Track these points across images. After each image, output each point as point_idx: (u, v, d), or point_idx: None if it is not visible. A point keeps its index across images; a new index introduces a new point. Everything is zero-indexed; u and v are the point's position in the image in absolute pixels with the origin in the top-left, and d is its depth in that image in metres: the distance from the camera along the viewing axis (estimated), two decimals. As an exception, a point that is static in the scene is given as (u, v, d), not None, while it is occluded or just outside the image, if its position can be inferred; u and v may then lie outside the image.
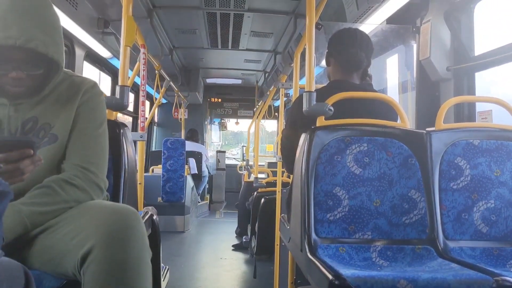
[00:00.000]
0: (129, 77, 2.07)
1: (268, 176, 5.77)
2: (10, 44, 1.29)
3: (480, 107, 2.49)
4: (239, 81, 8.64)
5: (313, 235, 1.67)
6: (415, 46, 2.89)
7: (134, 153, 1.97)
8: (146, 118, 2.96)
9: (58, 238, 1.26)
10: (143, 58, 2.75)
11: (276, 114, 7.17)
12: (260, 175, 5.13)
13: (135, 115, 6.22)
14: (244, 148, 8.49)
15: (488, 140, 1.82)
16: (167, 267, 2.39)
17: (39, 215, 1.30)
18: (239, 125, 10.61)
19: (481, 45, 2.52)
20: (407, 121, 1.89)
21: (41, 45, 1.33)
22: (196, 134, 8.01)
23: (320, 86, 2.21)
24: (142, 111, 2.70)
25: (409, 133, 1.83)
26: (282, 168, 3.30)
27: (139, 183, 2.41)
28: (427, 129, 1.88)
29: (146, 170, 6.74)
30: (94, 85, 1.56)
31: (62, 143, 1.46)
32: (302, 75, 3.31)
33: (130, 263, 1.18)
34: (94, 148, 1.49)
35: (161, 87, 4.86)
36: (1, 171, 1.11)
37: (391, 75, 3.56)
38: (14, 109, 1.43)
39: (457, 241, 1.74)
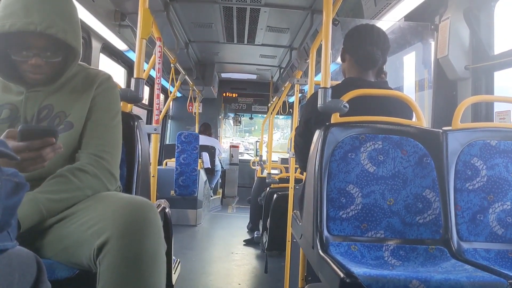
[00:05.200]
0: (144, 70, 2.07)
1: (281, 172, 5.76)
2: (31, 29, 1.32)
3: (498, 107, 2.45)
4: (254, 76, 8.62)
5: (325, 232, 1.66)
6: (433, 44, 2.85)
7: (148, 146, 1.98)
8: (161, 111, 2.97)
9: (73, 228, 1.28)
10: (159, 51, 2.76)
11: (291, 110, 7.16)
12: (273, 171, 5.12)
13: (149, 108, 6.25)
14: (258, 143, 8.50)
15: (506, 141, 1.80)
16: (178, 260, 2.40)
17: (54, 203, 1.32)
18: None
19: (501, 44, 2.48)
20: (423, 119, 1.86)
21: (61, 31, 1.37)
22: (209, 128, 8.02)
23: (335, 83, 2.19)
24: (157, 104, 2.71)
25: (425, 131, 1.81)
26: (295, 164, 3.29)
27: (152, 176, 2.42)
28: (444, 128, 1.86)
29: (160, 163, 6.78)
30: (109, 78, 1.59)
31: (77, 131, 1.49)
32: (317, 71, 3.29)
33: (146, 255, 1.19)
34: (108, 138, 1.51)
35: (176, 81, 4.87)
36: (25, 157, 1.15)
37: (408, 73, 3.52)
38: (31, 96, 1.46)
39: (471, 243, 1.71)
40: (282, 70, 7.19)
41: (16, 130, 1.17)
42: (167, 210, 2.08)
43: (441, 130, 1.83)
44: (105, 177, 1.46)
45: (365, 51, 2.07)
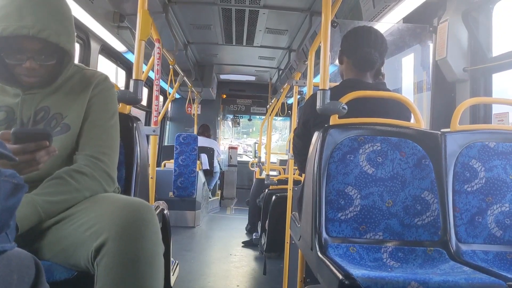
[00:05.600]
0: (143, 72, 2.07)
1: (279, 173, 5.76)
2: (24, 33, 1.32)
3: (496, 109, 2.45)
4: (252, 78, 8.63)
5: (324, 234, 1.66)
6: (431, 45, 2.86)
7: (146, 147, 1.98)
8: (159, 112, 2.97)
9: (71, 229, 1.28)
10: (158, 53, 2.76)
11: (289, 111, 7.17)
12: (271, 173, 5.12)
13: (148, 109, 6.24)
14: (256, 145, 8.52)
15: (504, 143, 1.80)
16: (177, 261, 2.39)
17: (52, 204, 1.32)
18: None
19: (500, 46, 2.48)
20: (421, 121, 1.86)
21: (53, 34, 1.36)
22: (208, 130, 8.01)
23: (333, 84, 2.20)
24: (156, 105, 2.71)
25: (423, 133, 1.81)
26: (294, 165, 3.29)
27: (151, 177, 2.42)
28: (442, 130, 1.86)
29: (158, 165, 6.77)
30: (105, 78, 1.59)
31: (74, 133, 1.48)
32: (316, 73, 3.30)
33: (144, 257, 1.19)
34: (105, 139, 1.51)
35: (175, 82, 4.87)
36: (19, 160, 1.14)
37: (407, 75, 3.52)
38: (27, 98, 1.46)
39: (469, 244, 1.72)
40: (280, 72, 7.19)
41: (9, 132, 1.16)
42: (165, 211, 2.07)
43: (439, 132, 1.83)
44: (103, 179, 1.45)
45: (363, 53, 2.07)
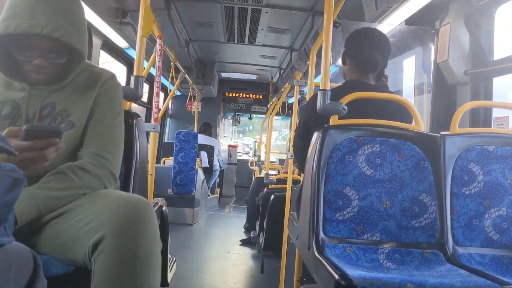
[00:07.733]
0: (144, 68, 2.08)
1: (279, 172, 5.76)
2: (37, 32, 1.32)
3: (496, 112, 2.45)
4: (254, 77, 8.63)
5: (321, 234, 1.66)
6: (433, 48, 2.86)
7: (146, 144, 1.98)
8: (160, 109, 2.97)
9: (70, 224, 1.28)
10: (159, 50, 2.76)
11: (290, 111, 7.17)
12: (271, 172, 5.13)
13: (149, 106, 6.24)
14: (256, 143, 8.50)
15: (503, 147, 1.80)
16: (174, 258, 2.40)
17: (52, 200, 1.32)
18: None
19: (501, 50, 2.49)
20: (421, 123, 1.87)
21: (66, 34, 1.37)
22: (209, 128, 8.00)
23: (335, 85, 2.20)
24: (156, 102, 2.71)
25: (423, 136, 1.81)
26: (293, 165, 3.29)
27: (150, 174, 2.42)
28: (442, 132, 1.86)
29: (158, 162, 6.77)
30: (112, 77, 1.59)
31: (78, 131, 1.48)
32: (317, 73, 3.30)
33: (141, 254, 1.19)
34: (110, 138, 1.51)
35: (176, 79, 4.87)
36: (28, 156, 1.14)
37: (408, 77, 3.53)
38: (34, 94, 1.46)
39: (466, 247, 1.72)
40: (282, 71, 7.19)
41: (17, 128, 1.16)
42: (164, 208, 2.08)
43: (439, 135, 1.83)
44: (106, 177, 1.45)
45: (366, 54, 2.07)
